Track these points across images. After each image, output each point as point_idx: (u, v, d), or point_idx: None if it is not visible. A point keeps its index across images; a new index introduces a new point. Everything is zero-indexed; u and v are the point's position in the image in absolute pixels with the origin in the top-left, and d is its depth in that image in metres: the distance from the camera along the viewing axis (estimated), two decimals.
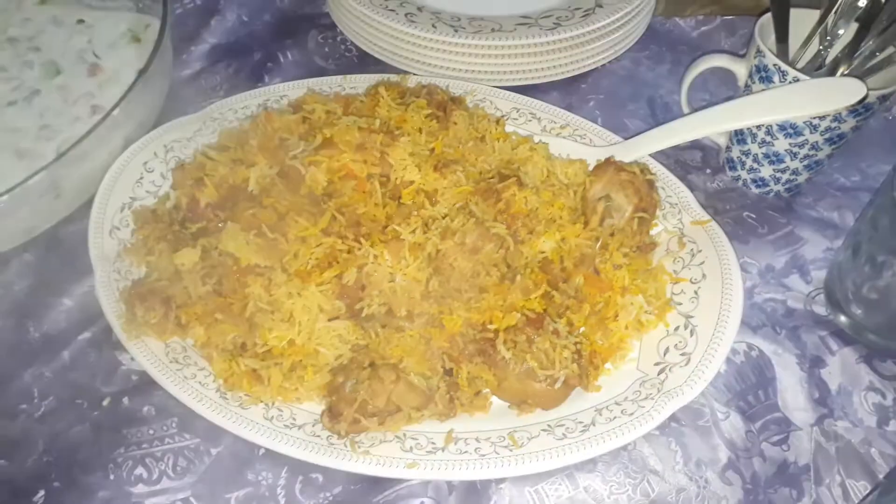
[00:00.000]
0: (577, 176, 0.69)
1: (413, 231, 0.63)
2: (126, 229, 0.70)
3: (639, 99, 0.86)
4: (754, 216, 0.76)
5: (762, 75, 0.70)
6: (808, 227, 0.75)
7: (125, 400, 0.62)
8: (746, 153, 0.75)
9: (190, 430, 0.61)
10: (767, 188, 0.77)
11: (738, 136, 0.75)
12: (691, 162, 0.80)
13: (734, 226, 0.73)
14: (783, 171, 0.74)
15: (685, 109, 0.79)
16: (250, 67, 0.90)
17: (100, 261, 0.67)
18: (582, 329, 0.62)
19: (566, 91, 0.86)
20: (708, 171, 0.80)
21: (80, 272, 0.70)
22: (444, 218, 0.64)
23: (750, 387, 0.64)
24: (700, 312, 0.63)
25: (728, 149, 0.77)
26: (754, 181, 0.77)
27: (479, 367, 0.60)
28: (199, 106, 0.80)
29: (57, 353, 0.65)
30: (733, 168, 0.78)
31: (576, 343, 0.59)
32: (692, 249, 0.67)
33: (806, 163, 0.73)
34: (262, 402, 0.60)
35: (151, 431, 0.60)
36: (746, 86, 0.73)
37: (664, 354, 0.62)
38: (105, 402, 0.62)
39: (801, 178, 0.75)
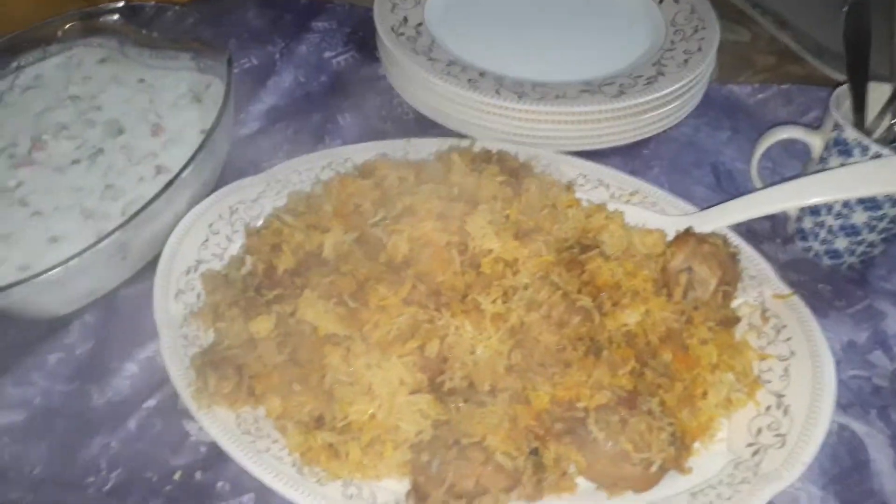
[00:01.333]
0: (656, 246, 0.67)
1: (494, 301, 0.61)
2: (191, 293, 0.68)
3: (702, 165, 0.86)
4: (830, 288, 0.74)
5: (840, 149, 0.70)
6: (886, 301, 0.73)
7: (197, 474, 0.60)
8: (821, 224, 0.74)
9: None
10: (841, 260, 0.76)
11: (812, 208, 0.74)
12: (761, 232, 0.78)
13: (810, 298, 0.71)
14: (859, 243, 0.73)
15: (756, 181, 0.78)
16: (309, 129, 0.90)
17: (165, 325, 0.65)
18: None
19: (628, 156, 0.86)
20: (778, 240, 0.79)
21: (143, 336, 0.68)
22: (526, 289, 0.62)
23: (845, 470, 0.61)
24: (792, 391, 0.61)
25: (799, 219, 0.76)
26: (827, 252, 0.76)
27: (568, 447, 0.57)
28: (260, 167, 0.80)
29: (122, 421, 0.63)
30: (804, 239, 0.77)
31: (671, 424, 0.57)
32: (776, 324, 0.65)
33: (884, 235, 0.72)
34: (340, 478, 0.57)
35: None
36: (822, 159, 0.72)
37: (757, 435, 0.59)
38: (176, 476, 0.60)
39: (876, 251, 0.74)
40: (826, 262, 0.77)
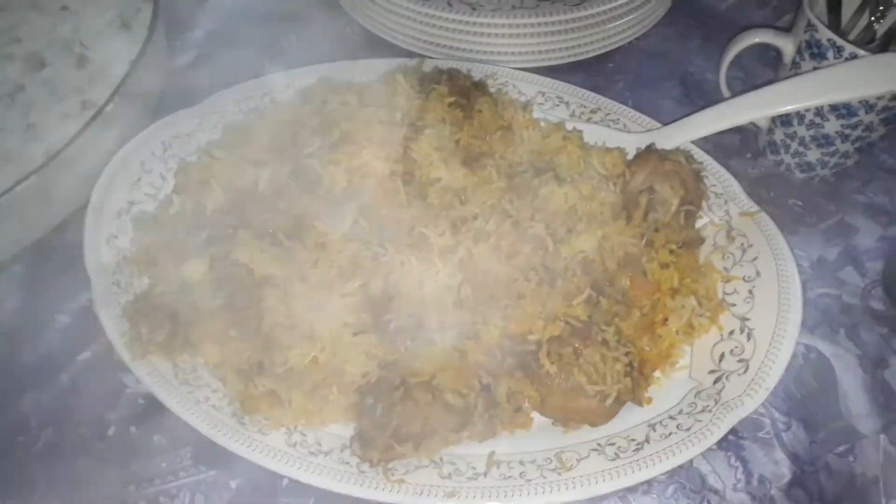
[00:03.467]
0: (615, 166, 0.63)
1: (442, 234, 0.57)
2: (125, 237, 0.64)
3: (670, 78, 0.81)
4: (801, 204, 0.71)
5: (813, 51, 0.64)
6: (860, 214, 0.70)
7: (133, 429, 0.57)
8: (792, 136, 0.70)
9: (206, 460, 0.56)
10: (813, 172, 0.72)
11: (784, 118, 0.69)
12: (730, 146, 0.74)
13: (780, 215, 0.67)
14: (832, 154, 0.69)
15: (725, 92, 0.73)
16: (250, 55, 0.83)
17: (97, 273, 0.62)
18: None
19: (592, 71, 0.80)
20: (748, 155, 0.75)
21: (75, 286, 0.65)
22: (475, 219, 0.58)
23: (811, 393, 0.59)
24: (756, 314, 0.58)
25: (770, 131, 0.72)
26: (799, 165, 0.72)
27: (521, 382, 0.55)
28: (197, 98, 0.74)
29: (54, 376, 0.60)
30: (776, 152, 0.73)
31: (627, 354, 0.54)
32: (742, 244, 0.62)
33: (857, 145, 0.68)
34: (283, 426, 0.55)
35: (164, 465, 0.56)
36: (794, 63, 0.67)
37: (719, 361, 0.57)
38: (110, 431, 0.57)
39: (849, 162, 0.70)
40: (798, 175, 0.73)
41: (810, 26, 0.64)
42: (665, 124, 0.69)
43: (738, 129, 0.75)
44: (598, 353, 0.53)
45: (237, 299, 0.57)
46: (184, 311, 0.57)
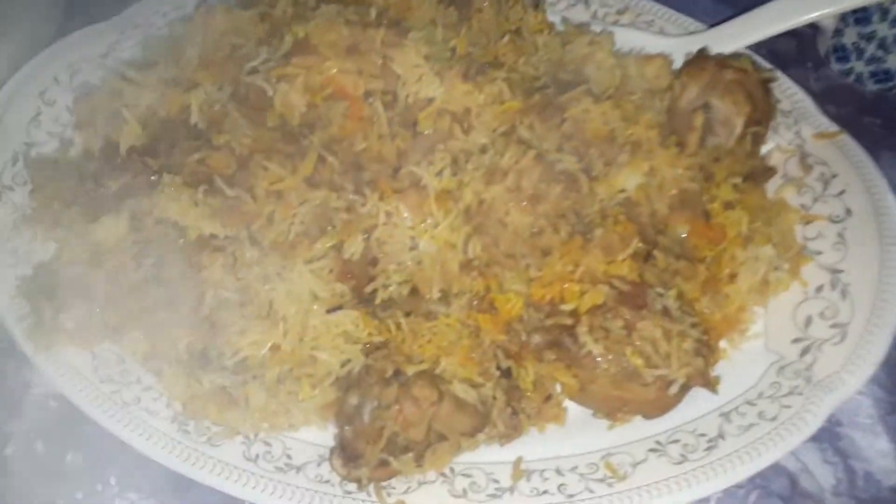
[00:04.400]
0: (659, 78, 0.52)
1: (439, 173, 0.46)
2: (23, 188, 0.54)
3: None
4: (879, 122, 0.61)
5: None
6: None
7: (39, 445, 0.46)
8: (869, 37, 0.59)
9: (138, 485, 0.45)
10: (892, 83, 0.61)
11: (861, 14, 0.58)
12: (786, 54, 0.63)
13: (854, 136, 0.56)
14: None
15: None
16: None
17: None
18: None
19: None
20: (809, 64, 0.64)
21: None
22: (484, 151, 0.47)
23: None
24: (851, 264, 0.48)
25: (838, 33, 0.61)
26: (874, 74, 0.62)
27: (552, 365, 0.44)
28: (114, 10, 0.62)
29: None
30: (845, 59, 0.62)
31: (695, 325, 0.42)
32: (823, 174, 0.52)
33: None
34: (239, 434, 0.45)
35: (79, 495, 0.44)
36: None
37: (806, 327, 0.47)
38: (8, 451, 0.46)
39: None
40: (871, 87, 0.62)
41: None
42: (710, 26, 0.58)
43: (794, 33, 0.64)
44: (657, 326, 0.42)
45: (167, 269, 0.47)
46: (99, 287, 0.47)
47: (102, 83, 0.54)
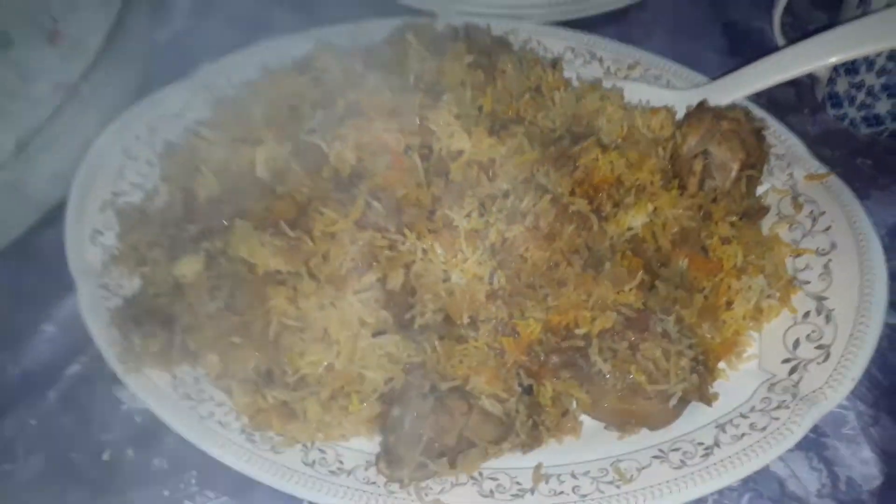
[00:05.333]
0: (663, 128, 0.57)
1: (468, 215, 0.51)
2: (111, 233, 0.59)
3: (713, 26, 0.74)
4: (870, 163, 0.65)
5: None
6: None
7: (130, 451, 0.52)
8: (858, 85, 0.63)
9: (214, 485, 0.51)
10: (882, 127, 0.66)
11: (849, 66, 0.63)
12: (785, 102, 0.68)
13: (847, 177, 0.60)
14: None
15: (779, 40, 0.66)
16: (241, 21, 0.76)
17: (83, 275, 0.56)
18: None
19: (624, 23, 0.74)
20: (805, 111, 0.68)
21: (59, 290, 0.59)
22: (506, 196, 0.52)
23: None
24: (835, 292, 0.52)
25: (832, 81, 0.65)
26: (866, 119, 0.66)
27: (568, 383, 0.49)
28: (185, 73, 0.67)
29: (41, 393, 0.55)
30: (838, 105, 0.66)
31: (691, 346, 0.47)
32: (812, 212, 0.56)
33: None
34: (298, 442, 0.50)
35: (166, 492, 0.50)
36: (861, 1, 0.59)
37: (794, 348, 0.51)
38: (105, 456, 0.52)
39: None
40: (864, 130, 0.67)
41: None
42: (713, 79, 0.63)
43: (793, 82, 0.68)
44: (658, 346, 0.47)
45: (238, 300, 0.51)
46: (180, 316, 0.52)
47: (182, 142, 0.59)
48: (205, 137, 0.56)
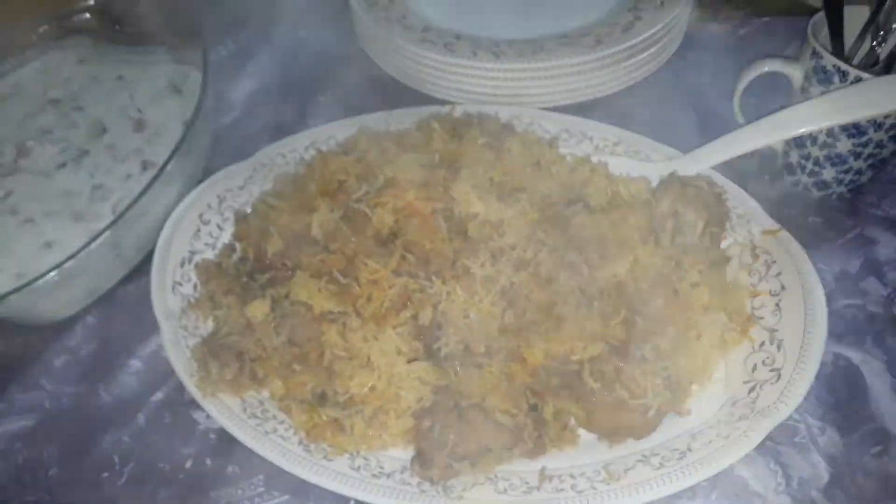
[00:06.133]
0: (641, 194, 0.68)
1: (482, 264, 0.61)
2: (188, 284, 0.69)
3: (686, 109, 0.85)
4: (820, 220, 0.74)
5: (820, 77, 0.69)
6: (878, 227, 0.73)
7: (208, 460, 0.61)
8: (807, 157, 0.74)
9: (277, 487, 0.59)
10: (830, 190, 0.75)
11: (798, 141, 0.73)
12: (749, 170, 0.77)
13: (801, 232, 0.70)
14: (846, 171, 0.73)
15: (739, 119, 0.77)
16: (291, 110, 0.89)
17: (165, 318, 0.66)
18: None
19: (611, 107, 0.85)
20: (767, 177, 0.78)
21: (145, 332, 0.70)
22: (513, 249, 0.62)
23: (843, 398, 0.62)
24: (784, 325, 0.61)
25: (786, 154, 0.76)
26: (816, 184, 0.75)
27: (566, 400, 0.58)
28: (245, 153, 0.79)
29: (132, 416, 0.65)
30: (793, 172, 0.76)
31: (665, 368, 0.57)
32: (766, 261, 0.66)
33: (870, 162, 0.71)
34: (346, 452, 0.59)
35: (240, 492, 0.59)
36: (803, 89, 0.72)
37: (752, 372, 0.60)
38: (188, 464, 0.61)
39: (864, 178, 0.74)
40: (815, 193, 0.76)
41: (815, 54, 0.69)
42: (685, 153, 0.73)
43: (756, 154, 0.77)
44: (637, 369, 0.57)
45: (298, 335, 0.61)
46: (249, 350, 0.62)
47: (252, 208, 0.70)
48: (271, 205, 0.67)
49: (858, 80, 0.66)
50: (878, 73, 0.67)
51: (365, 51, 0.94)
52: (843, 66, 0.66)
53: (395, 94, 0.89)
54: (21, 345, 0.70)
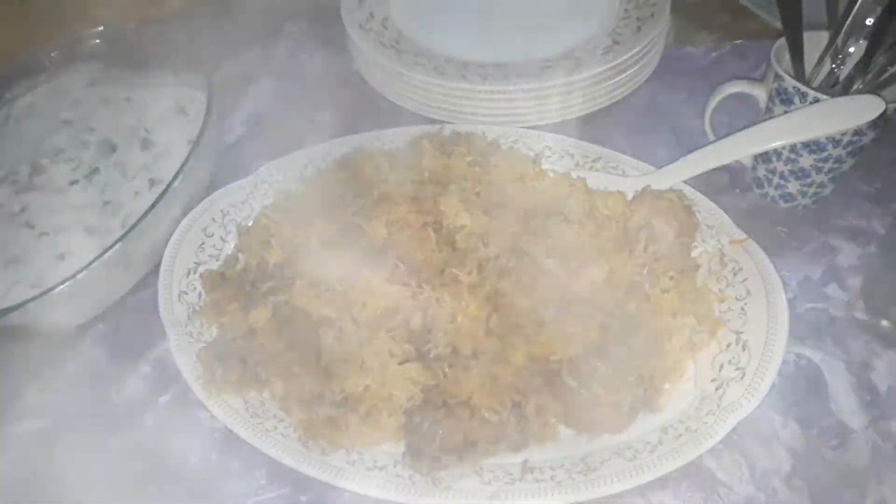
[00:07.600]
0: (616, 207, 0.72)
1: (469, 273, 0.66)
2: (193, 293, 0.73)
3: (662, 127, 0.90)
4: (786, 230, 0.79)
5: (782, 98, 0.74)
6: (840, 237, 0.78)
7: (213, 457, 0.65)
8: (773, 171, 0.78)
9: (278, 481, 0.63)
10: (795, 202, 0.80)
11: (764, 156, 0.78)
12: (720, 184, 0.83)
13: (768, 242, 0.74)
14: (809, 185, 0.78)
15: (710, 136, 0.82)
16: (290, 129, 0.94)
17: (172, 325, 0.70)
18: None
19: (591, 125, 0.89)
20: (737, 190, 0.83)
21: (152, 338, 0.74)
22: (497, 258, 0.67)
23: (803, 395, 0.66)
24: (749, 328, 0.65)
25: (754, 168, 0.81)
26: (782, 196, 0.80)
27: (547, 398, 0.62)
28: (247, 170, 0.83)
29: (141, 416, 0.69)
30: (760, 186, 0.81)
31: (637, 367, 0.62)
32: (734, 268, 0.70)
33: (831, 175, 0.76)
34: (342, 447, 0.62)
35: (243, 485, 0.63)
36: (768, 108, 0.77)
37: (719, 371, 0.64)
38: (194, 461, 0.65)
39: (826, 191, 0.79)
40: (782, 205, 0.81)
41: (778, 77, 0.74)
42: (659, 168, 0.78)
43: (727, 168, 0.83)
44: (612, 369, 0.61)
45: (298, 340, 0.65)
46: (252, 353, 0.65)
47: (255, 222, 0.74)
48: (273, 218, 0.71)
49: (817, 100, 0.71)
50: (838, 94, 0.72)
51: (360, 73, 0.99)
52: (803, 88, 0.72)
53: (388, 113, 0.94)
54: (37, 352, 0.73)
